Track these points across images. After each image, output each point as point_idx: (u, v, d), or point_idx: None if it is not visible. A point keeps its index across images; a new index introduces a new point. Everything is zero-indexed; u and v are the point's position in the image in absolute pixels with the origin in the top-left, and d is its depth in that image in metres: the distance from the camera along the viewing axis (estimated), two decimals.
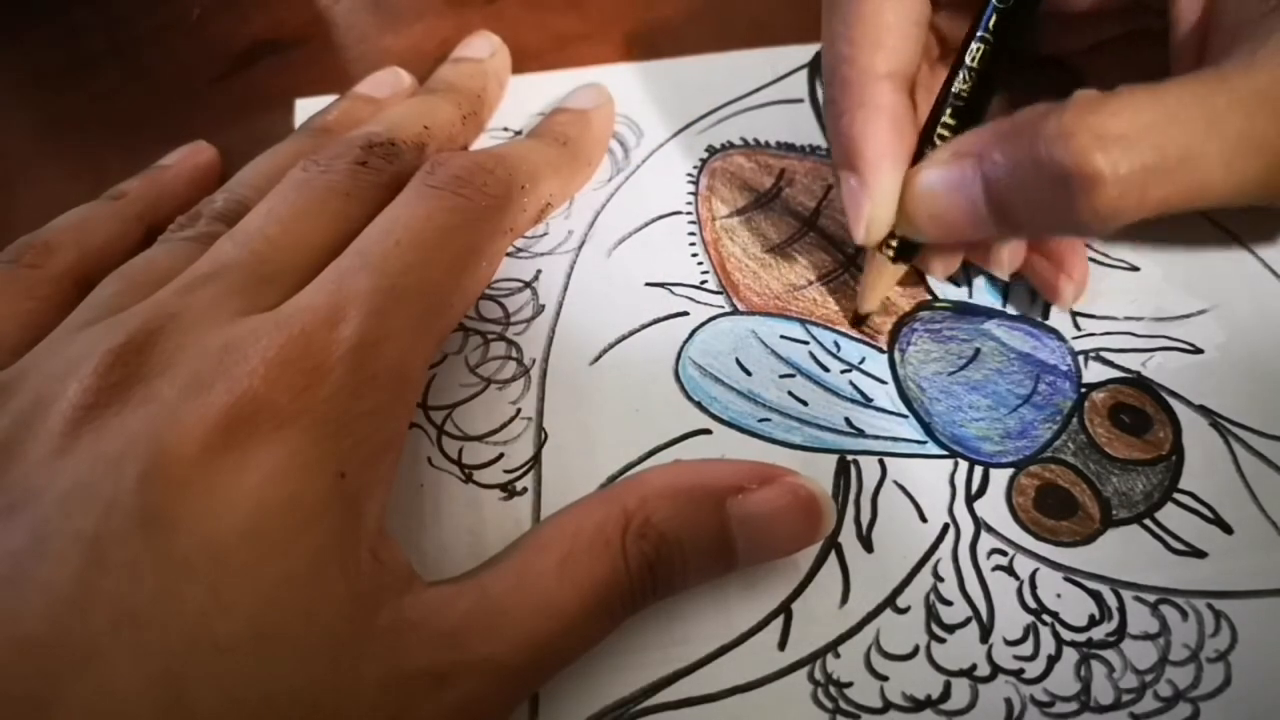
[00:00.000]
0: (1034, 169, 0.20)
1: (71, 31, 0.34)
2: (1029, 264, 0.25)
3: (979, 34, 0.23)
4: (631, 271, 0.27)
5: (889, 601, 0.21)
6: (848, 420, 0.24)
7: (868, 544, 0.22)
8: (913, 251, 0.24)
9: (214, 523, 0.16)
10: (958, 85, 0.23)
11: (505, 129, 0.31)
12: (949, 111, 0.23)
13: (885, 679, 0.20)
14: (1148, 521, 0.22)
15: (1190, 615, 0.21)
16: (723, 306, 0.26)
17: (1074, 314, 0.26)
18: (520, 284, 0.27)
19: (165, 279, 0.20)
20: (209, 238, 0.22)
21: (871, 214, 0.23)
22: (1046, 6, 0.24)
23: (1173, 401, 0.24)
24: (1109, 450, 0.23)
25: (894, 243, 0.24)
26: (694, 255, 0.27)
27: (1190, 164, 0.19)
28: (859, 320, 0.26)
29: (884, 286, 0.25)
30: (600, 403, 0.24)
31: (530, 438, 0.24)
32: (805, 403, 0.24)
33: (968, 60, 0.23)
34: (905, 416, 0.24)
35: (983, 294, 0.26)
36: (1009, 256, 0.24)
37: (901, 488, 0.23)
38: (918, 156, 0.23)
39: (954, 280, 0.26)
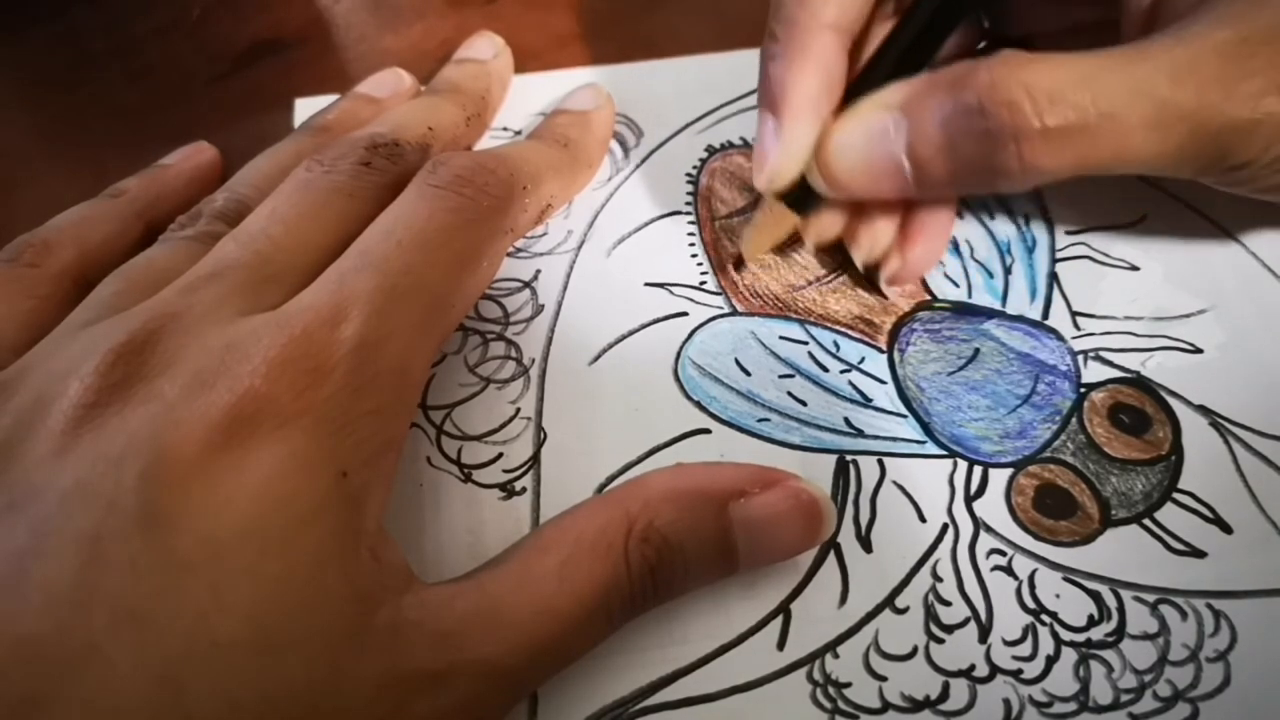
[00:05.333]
0: (961, 120, 0.20)
1: (71, 31, 0.35)
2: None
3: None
4: (631, 272, 0.27)
5: (888, 602, 0.21)
6: (847, 420, 0.24)
7: (867, 544, 0.22)
8: (810, 204, 0.24)
9: (214, 522, 0.16)
10: (899, 42, 0.23)
11: (505, 129, 0.31)
12: (884, 66, 0.23)
13: (884, 679, 0.20)
14: (1147, 521, 0.22)
15: (1190, 615, 0.21)
16: (722, 307, 0.26)
17: (1074, 314, 0.26)
18: (519, 284, 0.27)
19: (166, 278, 0.20)
20: (209, 237, 0.22)
21: (779, 162, 0.23)
22: None
23: (1172, 401, 0.24)
24: (1108, 450, 0.23)
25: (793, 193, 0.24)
26: (693, 256, 0.27)
27: (1111, 124, 0.20)
28: (739, 264, 0.26)
29: (774, 236, 0.25)
30: (600, 402, 0.24)
31: (529, 437, 0.24)
32: (804, 403, 0.24)
33: (911, 22, 0.23)
34: (904, 416, 0.24)
35: (982, 294, 0.26)
36: (868, 241, 0.25)
37: (900, 488, 0.23)
38: (844, 109, 0.23)
39: (951, 279, 0.26)
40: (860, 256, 0.25)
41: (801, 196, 0.24)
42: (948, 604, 0.21)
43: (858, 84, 0.24)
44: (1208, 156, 0.21)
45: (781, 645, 0.21)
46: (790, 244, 0.26)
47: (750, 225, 0.25)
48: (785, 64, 0.23)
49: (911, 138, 0.21)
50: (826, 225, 0.25)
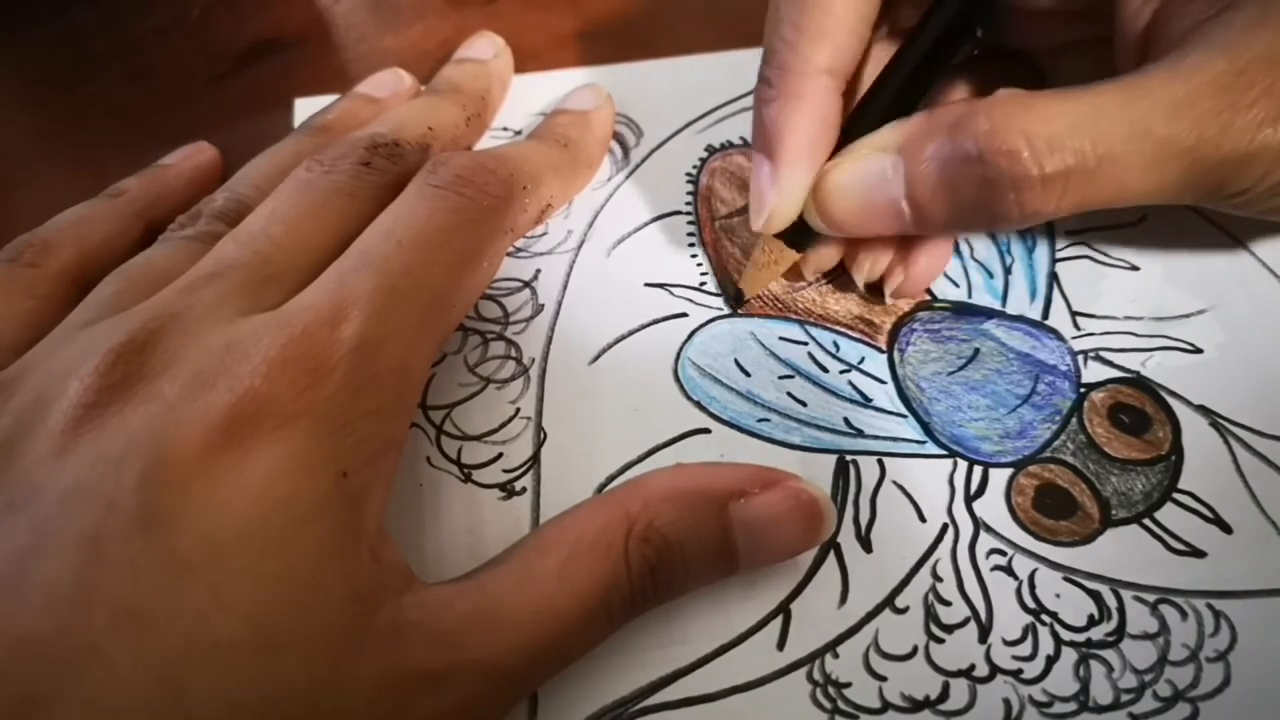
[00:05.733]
0: (960, 167, 0.20)
1: (71, 31, 0.35)
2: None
3: (921, 34, 0.23)
4: (631, 272, 0.27)
5: (888, 601, 0.21)
6: (847, 420, 0.24)
7: (867, 544, 0.22)
8: (808, 240, 0.24)
9: (214, 521, 0.16)
10: (895, 78, 0.23)
11: (505, 129, 0.31)
12: (881, 103, 0.23)
13: (884, 679, 0.20)
14: (1147, 521, 0.22)
15: (1190, 615, 0.21)
16: (721, 308, 0.26)
17: (1074, 314, 0.26)
18: (519, 283, 0.27)
19: (165, 278, 0.20)
20: (209, 236, 0.22)
21: (776, 206, 0.23)
22: (1011, 2, 0.24)
23: (1172, 401, 0.24)
24: (1108, 450, 0.23)
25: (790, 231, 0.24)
26: (693, 256, 0.27)
27: (1110, 165, 0.20)
28: (739, 300, 0.26)
29: (773, 273, 0.25)
30: (599, 402, 0.24)
31: (529, 437, 0.24)
32: (804, 403, 0.24)
33: (906, 59, 0.23)
34: (904, 416, 0.24)
35: (982, 294, 0.26)
36: (868, 264, 0.25)
37: (900, 488, 0.23)
38: (840, 146, 0.23)
39: (951, 279, 0.26)
40: (861, 279, 0.25)
41: (799, 233, 0.24)
42: (948, 604, 0.21)
43: (854, 120, 0.23)
44: (1206, 187, 0.21)
45: (781, 645, 0.21)
46: (789, 275, 0.26)
47: (749, 263, 0.25)
48: (779, 109, 0.23)
49: (909, 181, 0.21)
50: (825, 257, 0.25)
